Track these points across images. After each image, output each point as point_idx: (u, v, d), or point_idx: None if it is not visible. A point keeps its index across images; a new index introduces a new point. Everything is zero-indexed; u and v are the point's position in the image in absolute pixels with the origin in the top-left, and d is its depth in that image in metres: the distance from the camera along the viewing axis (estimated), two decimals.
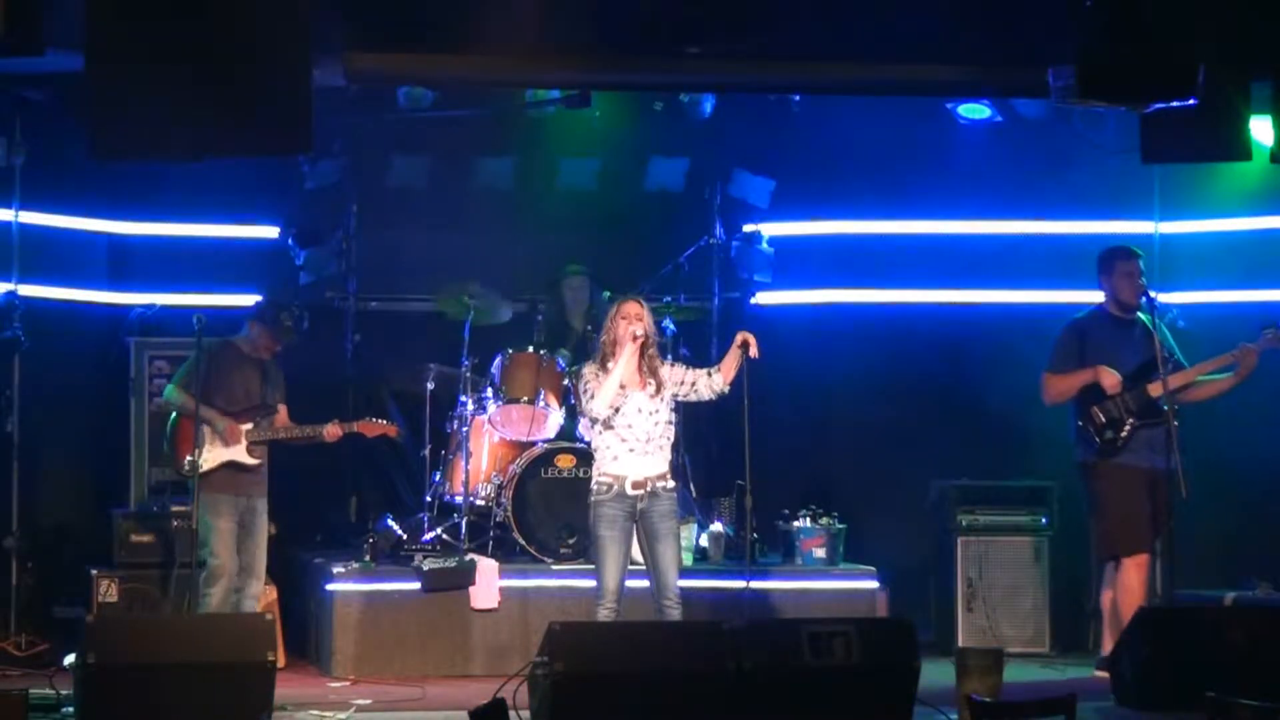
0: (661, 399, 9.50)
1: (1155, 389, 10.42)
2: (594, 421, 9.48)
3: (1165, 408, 10.37)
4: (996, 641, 11.23)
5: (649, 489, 9.41)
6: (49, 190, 11.76)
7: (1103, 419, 10.50)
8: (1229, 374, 10.53)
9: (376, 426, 10.61)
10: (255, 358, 10.50)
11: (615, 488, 9.40)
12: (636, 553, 9.54)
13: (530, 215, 12.62)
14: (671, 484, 9.51)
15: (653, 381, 9.51)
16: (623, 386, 9.45)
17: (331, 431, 10.48)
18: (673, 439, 9.58)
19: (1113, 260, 10.68)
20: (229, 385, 10.39)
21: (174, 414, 10.42)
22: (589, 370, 9.56)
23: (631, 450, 9.42)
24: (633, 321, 9.48)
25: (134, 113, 8.32)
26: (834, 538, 11.40)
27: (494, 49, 9.70)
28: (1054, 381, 10.67)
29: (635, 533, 9.45)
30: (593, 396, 9.43)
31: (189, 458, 10.21)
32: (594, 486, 9.48)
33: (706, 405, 9.82)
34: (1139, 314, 10.60)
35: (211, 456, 10.26)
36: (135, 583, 11.07)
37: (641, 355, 9.49)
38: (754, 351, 9.50)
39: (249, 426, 10.36)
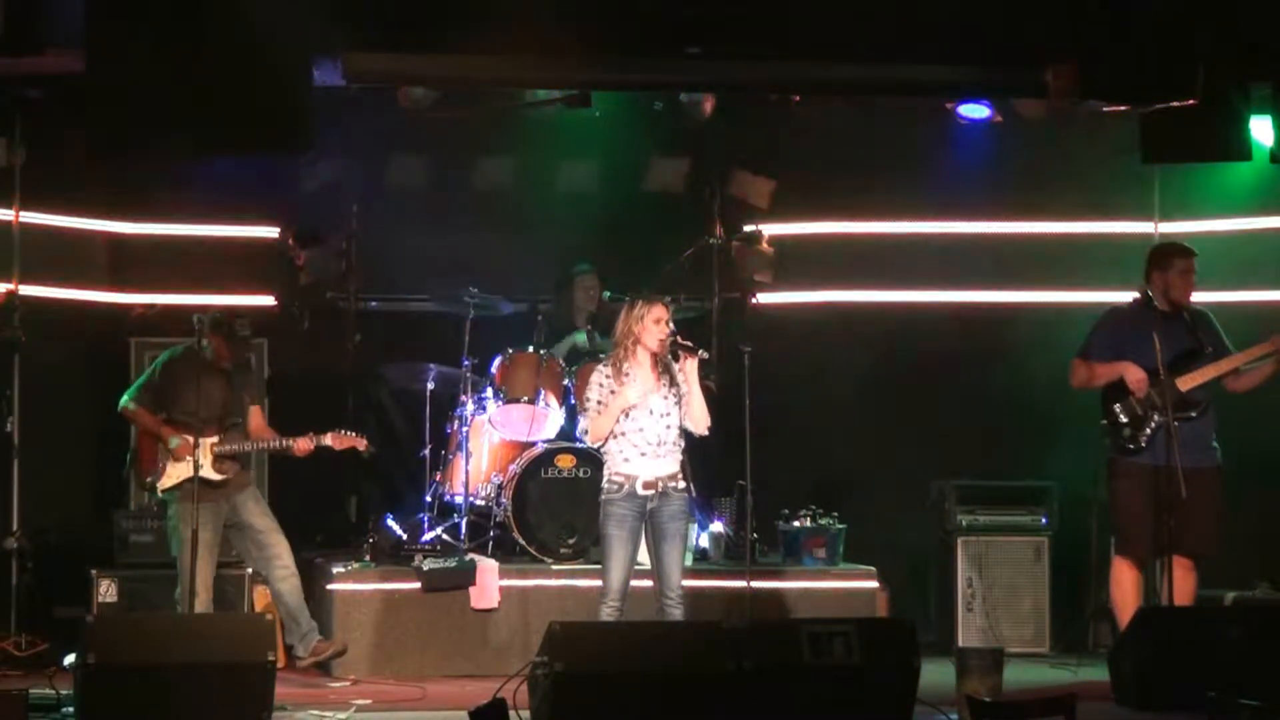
0: (675, 399, 9.47)
1: (1185, 383, 10.40)
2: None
3: (1198, 400, 10.43)
4: (996, 641, 11.23)
5: (660, 489, 9.39)
6: (49, 190, 11.74)
7: (1124, 418, 10.49)
8: (1269, 360, 10.48)
9: (346, 439, 10.32)
10: (218, 365, 10.27)
11: (626, 487, 9.38)
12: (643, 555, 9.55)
13: (530, 215, 12.61)
14: (683, 484, 9.48)
15: (666, 378, 9.47)
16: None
17: (302, 445, 10.22)
18: (685, 442, 9.53)
19: (1171, 257, 10.59)
20: (185, 396, 10.13)
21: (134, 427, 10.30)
22: (598, 376, 9.47)
23: (643, 454, 9.38)
24: (663, 329, 9.37)
25: (134, 113, 8.32)
26: (834, 538, 11.39)
27: (494, 49, 9.70)
28: (1081, 367, 10.63)
29: (644, 532, 9.46)
30: (598, 414, 9.40)
31: (149, 477, 10.10)
32: (605, 485, 9.46)
33: (707, 405, 9.75)
34: (1184, 311, 10.57)
35: (173, 473, 10.06)
36: (135, 583, 11.06)
37: (657, 358, 9.47)
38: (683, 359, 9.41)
39: (214, 440, 10.12)
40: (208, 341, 10.23)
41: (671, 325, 9.47)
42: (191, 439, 10.03)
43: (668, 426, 9.41)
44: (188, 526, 9.94)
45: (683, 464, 9.53)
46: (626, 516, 9.37)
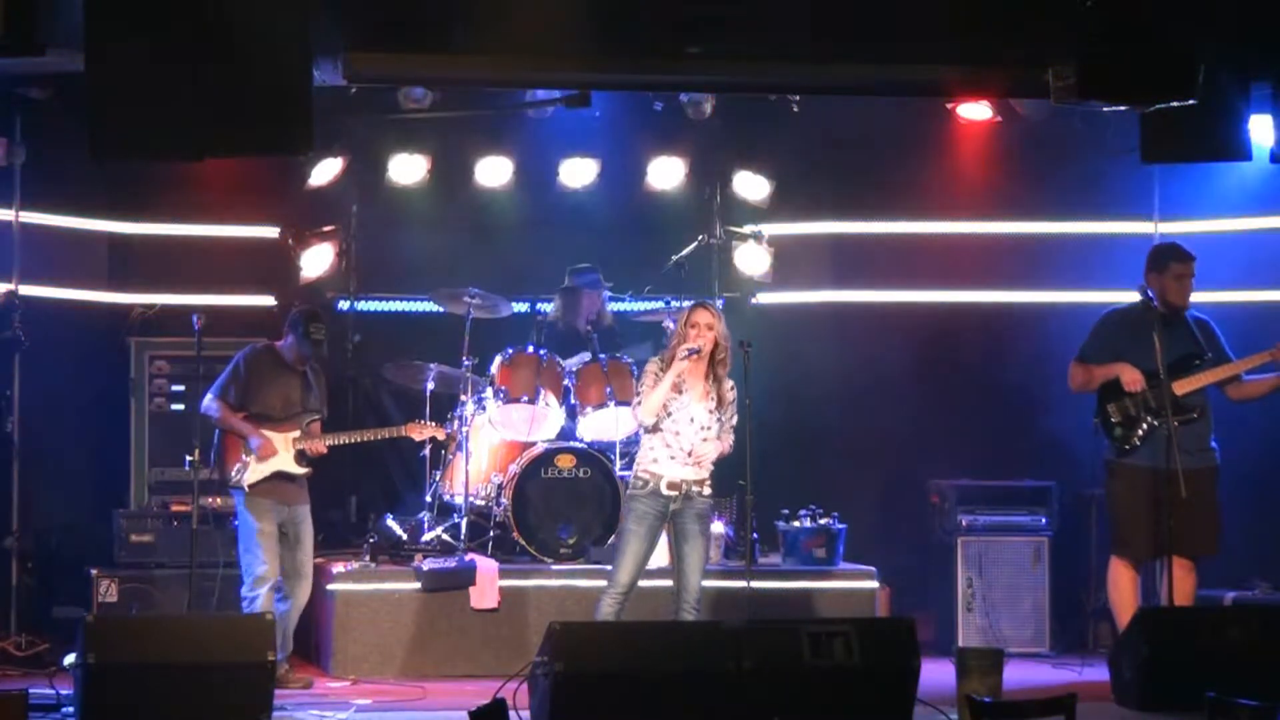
0: (717, 417, 9.47)
1: (1181, 386, 10.39)
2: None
3: (1195, 404, 10.44)
4: (996, 641, 11.24)
5: (684, 491, 9.43)
6: (49, 190, 11.75)
7: (1117, 417, 10.49)
8: (1274, 373, 10.49)
9: (425, 429, 10.55)
10: (294, 366, 10.33)
11: (651, 485, 9.43)
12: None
13: (530, 215, 12.61)
14: (709, 490, 9.51)
15: (715, 395, 9.49)
16: (680, 392, 9.42)
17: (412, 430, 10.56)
18: (716, 457, 9.54)
19: (1166, 260, 10.58)
20: (265, 394, 10.23)
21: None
22: (650, 367, 9.53)
23: (673, 458, 9.43)
24: (703, 332, 9.40)
25: (134, 113, 8.32)
26: (834, 538, 11.39)
27: (494, 49, 9.69)
28: (1078, 370, 10.63)
29: (666, 533, 9.48)
30: (639, 403, 9.46)
31: (236, 467, 10.14)
32: (631, 480, 9.55)
33: None
34: (1186, 313, 10.56)
35: (258, 469, 10.14)
36: (135, 583, 11.06)
37: (710, 364, 9.46)
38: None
39: (295, 434, 10.21)
40: (287, 338, 10.29)
41: (719, 327, 9.44)
42: (274, 436, 10.16)
43: (704, 439, 9.42)
44: (258, 519, 10.09)
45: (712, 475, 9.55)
46: (647, 514, 9.41)
